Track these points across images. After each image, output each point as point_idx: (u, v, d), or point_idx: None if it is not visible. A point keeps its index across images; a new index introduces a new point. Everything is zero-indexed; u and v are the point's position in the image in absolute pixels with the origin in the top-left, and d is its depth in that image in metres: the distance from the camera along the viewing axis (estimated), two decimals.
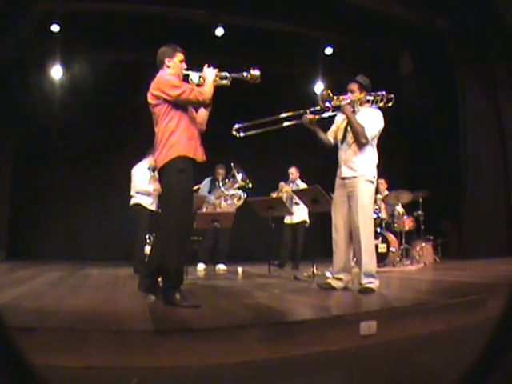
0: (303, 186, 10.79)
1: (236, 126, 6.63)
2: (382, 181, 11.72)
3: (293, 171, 11.23)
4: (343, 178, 6.45)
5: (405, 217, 11.27)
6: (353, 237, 6.32)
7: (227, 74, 5.56)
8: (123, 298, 6.03)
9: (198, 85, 5.47)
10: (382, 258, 10.41)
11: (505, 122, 12.21)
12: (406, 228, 11.22)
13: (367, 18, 12.65)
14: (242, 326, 3.97)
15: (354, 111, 6.40)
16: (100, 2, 12.11)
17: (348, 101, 6.40)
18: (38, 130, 13.78)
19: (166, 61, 5.45)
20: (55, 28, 11.88)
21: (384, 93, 6.45)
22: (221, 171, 10.60)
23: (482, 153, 12.25)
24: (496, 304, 5.09)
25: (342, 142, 6.55)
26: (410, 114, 14.87)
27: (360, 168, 6.30)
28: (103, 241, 14.55)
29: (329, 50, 13.92)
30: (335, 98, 6.38)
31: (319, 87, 14.14)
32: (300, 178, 11.28)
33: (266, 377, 3.51)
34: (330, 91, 6.37)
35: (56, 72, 13.12)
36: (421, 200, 11.36)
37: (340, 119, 6.71)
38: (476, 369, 1.85)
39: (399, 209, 11.40)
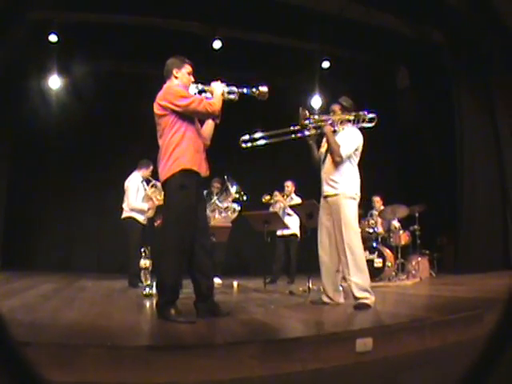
0: (297, 200, 11.01)
1: (244, 137, 6.68)
2: (378, 198, 11.78)
3: (289, 184, 11.31)
4: (326, 197, 6.55)
5: (401, 231, 11.28)
6: (340, 254, 6.34)
7: (235, 88, 5.59)
8: (118, 312, 5.99)
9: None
10: (377, 273, 10.43)
11: (501, 136, 12.22)
12: (402, 242, 11.22)
13: (364, 32, 12.71)
14: (238, 343, 3.95)
15: (335, 131, 6.50)
16: (97, 13, 12.11)
17: (329, 121, 6.49)
18: (33, 141, 13.77)
19: (174, 71, 5.44)
20: (53, 38, 11.87)
21: (366, 112, 6.53)
22: (216, 185, 10.54)
23: (479, 167, 12.25)
24: (493, 319, 5.07)
25: (324, 162, 6.65)
26: (406, 128, 14.89)
27: (340, 186, 6.38)
28: (98, 252, 14.54)
29: (326, 64, 13.95)
30: (313, 116, 6.45)
31: (316, 101, 14.18)
32: (295, 192, 11.35)
33: None
34: (306, 110, 6.42)
35: (53, 81, 13.10)
36: (417, 214, 11.37)
37: (324, 141, 6.79)
38: (472, 372, 1.84)
39: (395, 223, 11.39)
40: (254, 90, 5.61)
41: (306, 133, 6.58)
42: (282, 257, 11.39)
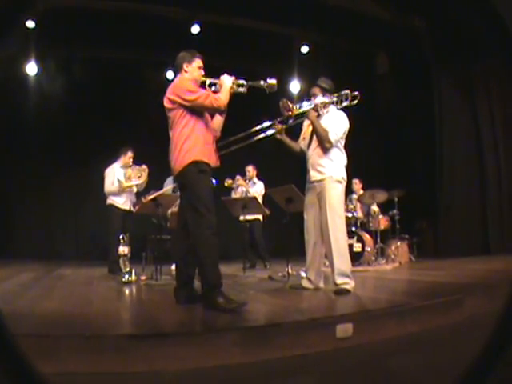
0: (260, 184, 11.17)
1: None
2: (357, 180, 11.76)
3: (250, 169, 11.30)
4: (312, 182, 6.52)
5: (380, 216, 11.29)
6: (324, 238, 6.34)
7: (244, 81, 5.63)
8: (98, 301, 5.97)
9: (215, 91, 5.54)
10: (357, 257, 10.43)
11: (480, 122, 12.27)
12: (382, 227, 11.23)
13: (343, 17, 12.66)
14: (218, 331, 3.96)
15: (319, 115, 6.48)
16: None
17: (312, 106, 6.46)
18: (13, 129, 13.63)
19: (185, 66, 5.48)
20: (30, 24, 11.72)
21: (347, 92, 6.53)
22: None
23: (458, 152, 12.33)
24: (472, 304, 5.12)
25: (309, 147, 6.63)
26: (385, 113, 14.90)
27: (327, 170, 6.37)
28: (78, 240, 14.49)
29: (305, 49, 13.93)
30: (295, 106, 6.40)
31: (295, 86, 14.17)
32: (257, 176, 11.38)
33: (242, 381, 3.48)
34: (287, 101, 6.38)
35: (31, 68, 12.97)
36: (396, 199, 11.38)
37: (305, 125, 6.83)
38: (474, 368, 1.84)
39: (374, 208, 11.43)
40: (262, 82, 5.65)
41: (274, 128, 6.61)
42: (249, 243, 11.32)
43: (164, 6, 12.53)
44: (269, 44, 13.50)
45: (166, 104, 5.32)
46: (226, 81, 5.50)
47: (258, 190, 10.94)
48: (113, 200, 9.77)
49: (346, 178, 6.49)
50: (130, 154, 9.84)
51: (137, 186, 9.76)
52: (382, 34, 13.64)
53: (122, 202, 9.76)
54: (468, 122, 12.43)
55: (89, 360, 3.44)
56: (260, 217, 11.18)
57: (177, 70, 5.57)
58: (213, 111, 5.51)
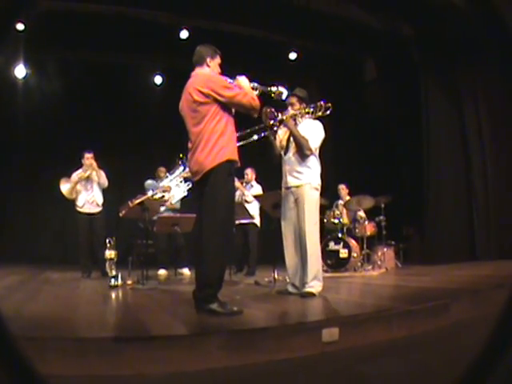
0: (257, 187, 11.01)
1: None
2: (343, 186, 11.80)
3: (248, 172, 11.14)
4: (289, 187, 6.63)
5: (366, 222, 11.30)
6: (300, 242, 6.45)
7: (257, 85, 5.59)
8: (84, 304, 5.98)
9: None
10: (343, 263, 10.48)
11: (467, 129, 12.34)
12: (368, 233, 11.24)
13: (331, 24, 12.68)
14: (204, 334, 3.95)
15: (296, 124, 6.60)
16: (63, 2, 11.94)
17: (290, 114, 6.58)
18: (1, 131, 13.58)
19: (208, 60, 5.34)
20: (20, 26, 11.66)
21: (322, 103, 6.70)
22: (163, 169, 10.44)
23: (444, 158, 12.37)
24: (459, 309, 5.14)
25: (286, 153, 6.73)
26: (372, 120, 14.92)
27: (305, 177, 6.49)
28: (65, 243, 14.44)
29: (293, 55, 13.92)
30: (277, 114, 6.49)
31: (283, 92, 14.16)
32: (256, 179, 11.27)
33: None
34: (271, 109, 6.41)
35: (19, 71, 12.93)
36: (382, 205, 11.39)
37: (282, 132, 6.86)
38: (474, 369, 1.84)
39: (361, 214, 11.43)
40: (273, 89, 5.70)
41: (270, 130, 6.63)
42: (241, 247, 11.03)
43: (153, 10, 12.51)
44: (257, 50, 13.52)
45: (197, 97, 5.00)
46: (245, 82, 5.35)
47: (254, 193, 10.84)
48: (76, 205, 10.08)
49: (321, 185, 6.61)
50: (86, 155, 9.97)
51: (73, 187, 10.08)
52: (370, 40, 13.67)
53: (81, 205, 10.04)
54: (455, 128, 12.49)
55: (75, 363, 3.42)
56: (257, 222, 10.95)
57: (197, 63, 5.37)
58: (248, 110, 5.21)
